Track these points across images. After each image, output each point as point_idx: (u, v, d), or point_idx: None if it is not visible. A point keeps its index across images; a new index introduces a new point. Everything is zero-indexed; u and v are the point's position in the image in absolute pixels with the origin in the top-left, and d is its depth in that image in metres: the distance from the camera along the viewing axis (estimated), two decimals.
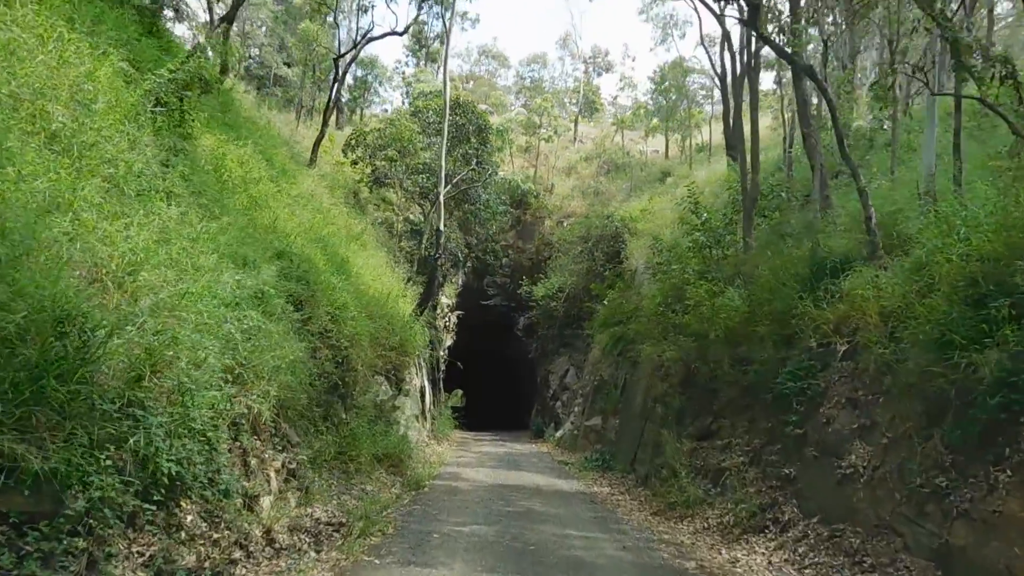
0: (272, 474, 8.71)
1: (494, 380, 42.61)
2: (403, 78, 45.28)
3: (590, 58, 51.58)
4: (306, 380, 10.10)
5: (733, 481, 10.11)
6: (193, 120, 11.43)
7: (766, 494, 9.29)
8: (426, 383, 23.44)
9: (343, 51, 22.73)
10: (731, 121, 25.37)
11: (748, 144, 14.52)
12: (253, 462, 8.21)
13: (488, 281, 35.81)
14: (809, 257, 11.07)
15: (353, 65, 35.11)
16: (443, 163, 18.11)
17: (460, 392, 53.18)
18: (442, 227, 16.96)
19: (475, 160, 23.81)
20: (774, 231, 13.42)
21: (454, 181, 20.39)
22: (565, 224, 33.92)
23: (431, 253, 16.77)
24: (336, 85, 21.91)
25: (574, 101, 51.66)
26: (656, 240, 16.56)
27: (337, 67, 21.67)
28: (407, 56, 45.50)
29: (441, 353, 29.80)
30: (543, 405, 30.06)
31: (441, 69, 22.84)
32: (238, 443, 7.94)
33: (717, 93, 32.15)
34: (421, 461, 16.49)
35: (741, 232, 14.14)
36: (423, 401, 22.90)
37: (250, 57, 29.81)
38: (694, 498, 10.45)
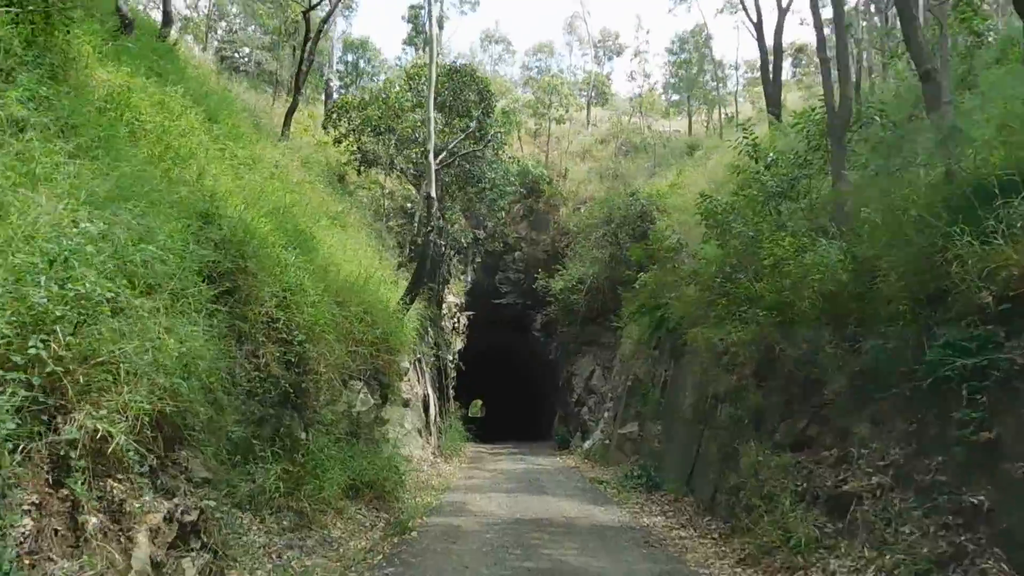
0: (142, 538, 5.38)
1: (511, 386, 39.24)
2: (404, 70, 42.22)
3: (599, 42, 48.23)
4: (222, 385, 6.80)
5: (869, 514, 6.67)
6: (67, 32, 8.22)
7: (938, 537, 5.83)
8: (430, 391, 20.10)
9: (315, 4, 19.58)
10: (770, 73, 21.95)
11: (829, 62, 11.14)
12: (93, 522, 4.89)
13: (500, 278, 32.48)
14: (948, 181, 7.66)
15: (340, 46, 32.03)
16: (431, 113, 14.81)
17: (480, 402, 49.97)
18: (434, 193, 13.68)
19: (476, 129, 20.52)
20: (877, 158, 9.97)
21: (450, 147, 17.10)
22: (582, 210, 30.52)
23: (424, 228, 13.47)
24: (308, 44, 18.75)
25: (583, 91, 48.39)
26: (703, 197, 13.07)
27: (308, 21, 18.50)
28: (405, 48, 42.46)
29: (450, 357, 26.49)
30: (567, 411, 26.63)
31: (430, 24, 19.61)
32: (57, 493, 4.67)
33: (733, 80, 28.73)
34: (419, 487, 13.14)
35: (821, 172, 10.74)
36: (427, 413, 19.56)
37: (223, 40, 26.80)
38: (806, 539, 7.01)
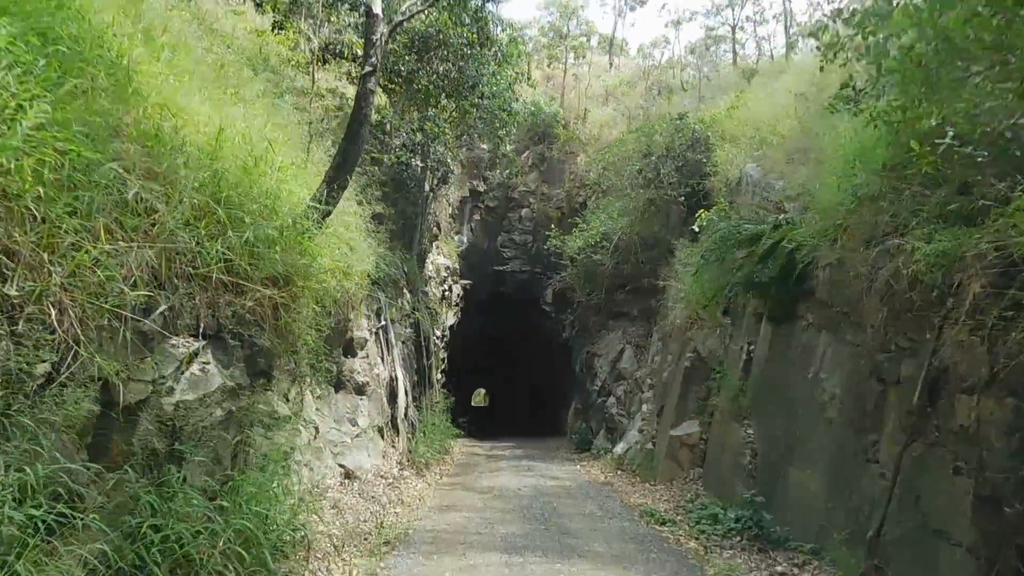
0: None
1: (514, 370, 33.41)
2: None
3: None
4: None
5: None
6: None
7: None
8: (399, 374, 14.25)
9: None
10: None
11: None
12: None
13: (503, 240, 26.60)
14: None
15: None
16: None
17: (483, 392, 44.28)
18: (378, 9, 7.76)
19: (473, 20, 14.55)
20: None
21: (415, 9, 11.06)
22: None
23: (363, 66, 7.46)
24: None
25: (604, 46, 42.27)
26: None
27: None
28: None
29: (437, 333, 20.65)
30: (586, 403, 20.78)
31: None
32: None
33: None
34: (346, 537, 7.32)
35: None
36: (393, 403, 13.74)
37: None
38: None
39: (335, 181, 7.40)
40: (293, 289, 6.61)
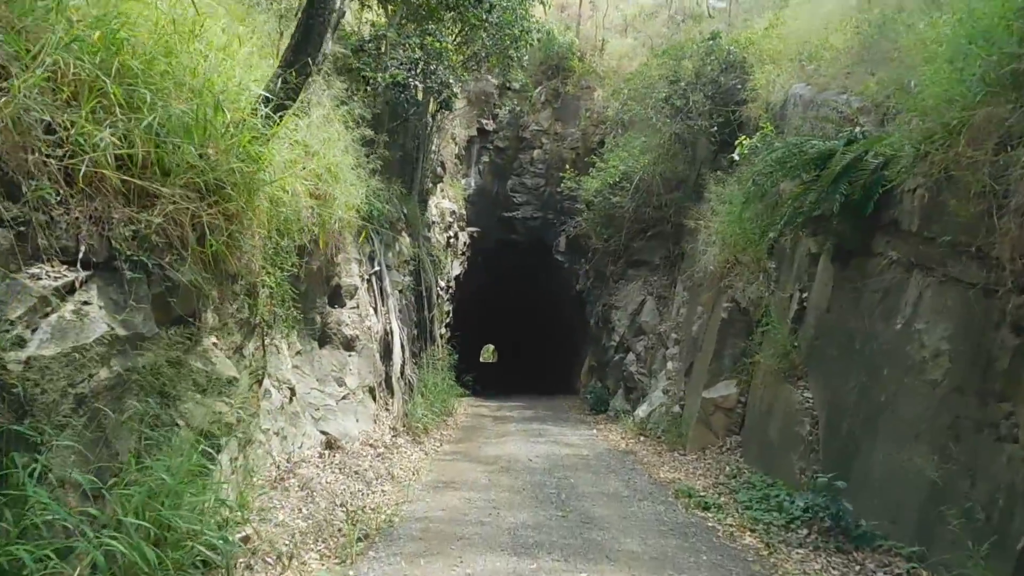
0: None
1: (524, 325, 31.83)
2: None
3: None
4: None
5: None
6: None
7: None
8: (395, 327, 12.62)
9: None
10: None
11: None
12: None
13: (514, 184, 24.66)
14: None
15: None
16: None
17: (491, 347, 42.88)
18: None
19: None
20: None
21: None
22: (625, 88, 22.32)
23: None
24: None
25: None
26: None
27: None
28: None
29: (441, 283, 18.99)
30: (602, 360, 19.16)
31: None
32: None
33: None
34: (311, 532, 5.74)
35: None
36: (388, 360, 12.17)
37: None
38: None
39: (294, 64, 5.61)
40: (231, 205, 4.88)
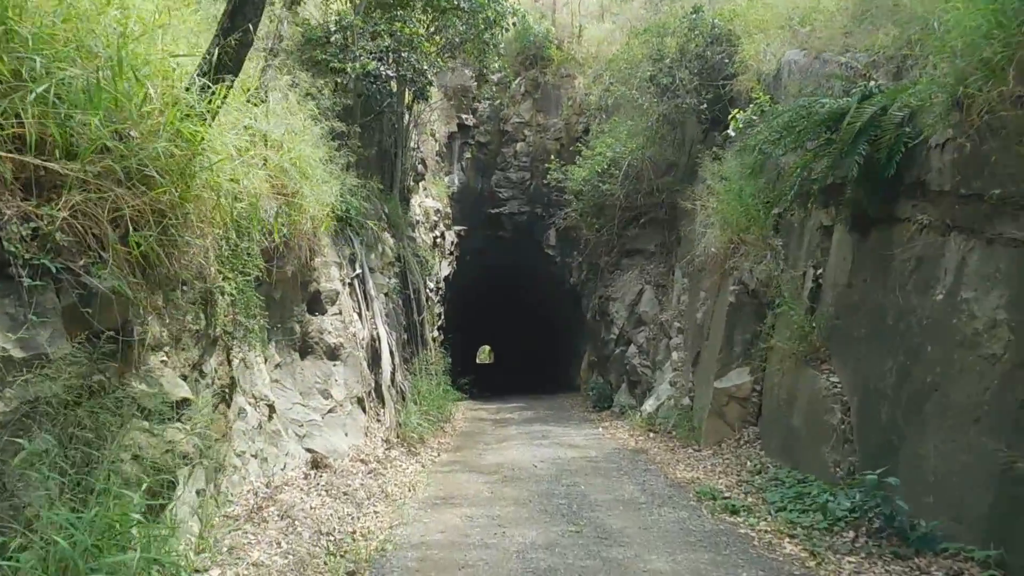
0: None
1: (519, 323, 31.09)
2: None
3: None
4: None
5: None
6: None
7: None
8: (382, 331, 11.85)
9: None
10: None
11: None
12: None
13: (499, 179, 23.92)
14: None
15: None
16: None
17: (488, 348, 42.13)
18: None
19: None
20: None
21: None
22: (605, 79, 21.58)
23: None
24: None
25: None
26: None
27: None
28: None
29: (431, 284, 18.23)
30: (602, 354, 18.42)
31: None
32: None
33: None
34: (289, 569, 4.97)
35: None
36: (376, 368, 11.42)
37: None
38: None
39: (232, 31, 4.83)
40: (161, 196, 4.10)
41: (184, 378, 5.02)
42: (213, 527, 5.40)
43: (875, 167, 6.77)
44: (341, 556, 5.38)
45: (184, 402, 4.67)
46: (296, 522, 6.08)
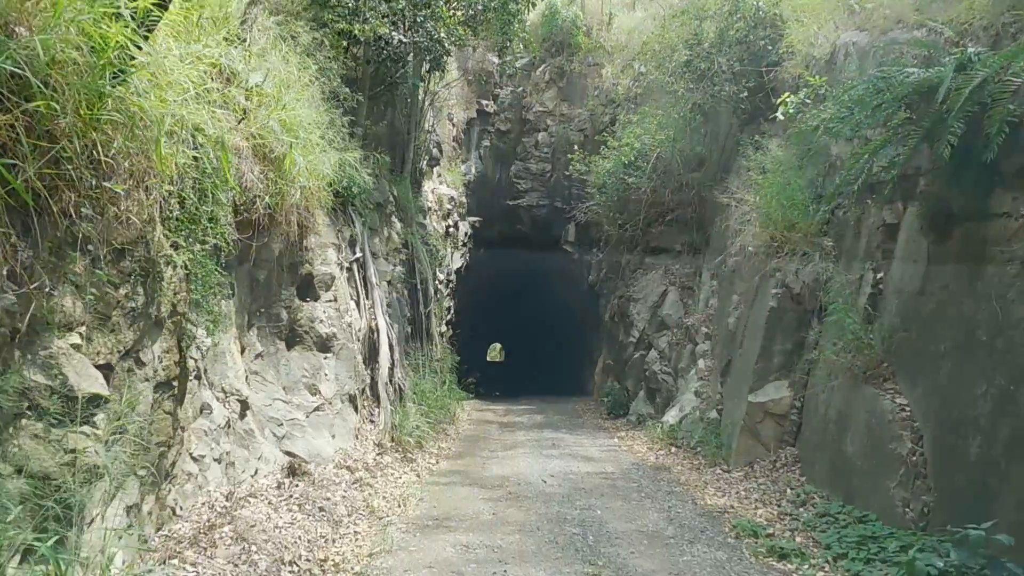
0: None
1: (532, 321, 29.94)
2: None
3: None
4: None
5: None
6: None
7: None
8: (381, 322, 10.78)
9: None
10: None
11: None
12: None
13: (518, 170, 22.81)
14: None
15: None
16: None
17: (499, 346, 41.04)
18: None
19: None
20: None
21: None
22: (637, 67, 20.40)
23: None
24: None
25: None
26: None
27: None
28: None
29: (440, 276, 17.17)
30: (619, 358, 17.28)
31: None
32: None
33: None
34: None
35: None
36: (373, 363, 10.37)
37: None
38: None
39: None
40: (44, 112, 3.04)
41: (108, 367, 3.98)
42: (147, 554, 4.37)
43: (966, 153, 5.64)
44: None
45: (95, 399, 3.63)
46: (254, 547, 5.03)
